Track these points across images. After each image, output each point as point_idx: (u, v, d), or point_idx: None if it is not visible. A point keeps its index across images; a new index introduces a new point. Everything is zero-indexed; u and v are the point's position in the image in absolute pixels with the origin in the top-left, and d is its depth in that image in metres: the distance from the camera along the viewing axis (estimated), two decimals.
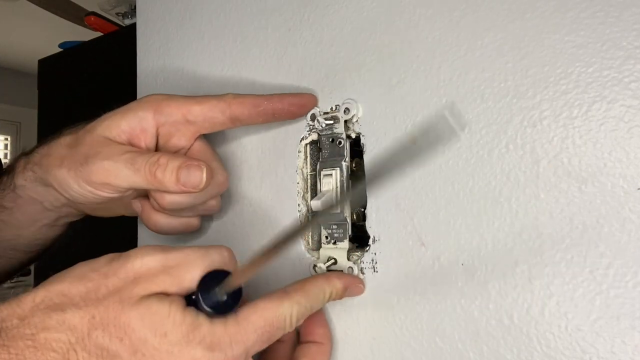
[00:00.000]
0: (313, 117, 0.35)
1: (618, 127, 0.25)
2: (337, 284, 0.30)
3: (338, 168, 0.34)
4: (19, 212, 0.39)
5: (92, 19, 1.24)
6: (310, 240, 0.36)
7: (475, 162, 0.29)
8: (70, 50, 1.24)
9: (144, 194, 0.36)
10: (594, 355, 0.25)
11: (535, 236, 0.27)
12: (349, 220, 0.34)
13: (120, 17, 1.30)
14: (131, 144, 0.34)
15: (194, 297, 0.26)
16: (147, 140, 0.35)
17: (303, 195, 0.36)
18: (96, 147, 0.33)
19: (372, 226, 0.33)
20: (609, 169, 0.26)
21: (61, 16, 1.58)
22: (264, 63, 0.39)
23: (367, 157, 0.34)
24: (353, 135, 0.34)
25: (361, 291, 0.32)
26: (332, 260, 0.34)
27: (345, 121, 0.34)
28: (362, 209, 0.34)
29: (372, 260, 0.33)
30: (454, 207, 0.30)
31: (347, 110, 0.34)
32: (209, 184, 0.32)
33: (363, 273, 0.33)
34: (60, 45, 1.27)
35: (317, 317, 0.33)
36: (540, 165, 0.27)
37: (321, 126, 0.35)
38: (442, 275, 0.30)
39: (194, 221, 0.37)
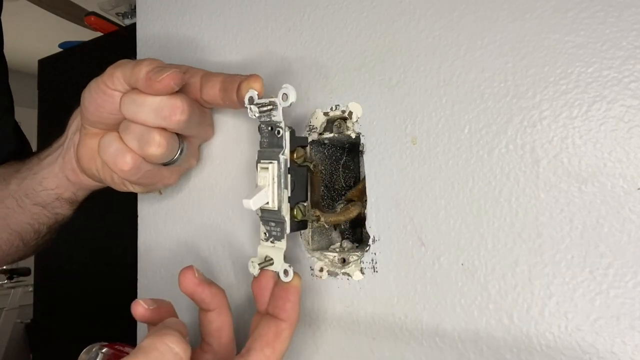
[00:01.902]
0: (251, 100, 0.32)
1: (618, 127, 0.25)
2: None
3: (275, 161, 0.31)
4: (51, 152, 0.43)
5: (92, 19, 1.24)
6: (310, 240, 0.36)
7: (475, 162, 0.29)
8: (70, 50, 1.24)
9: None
10: (594, 355, 0.25)
11: (535, 236, 0.27)
12: (287, 218, 0.32)
13: (120, 17, 1.30)
14: None
15: None
16: None
17: None
18: None
19: (372, 226, 0.33)
20: (609, 169, 0.26)
21: (61, 16, 1.59)
22: (264, 63, 0.39)
23: (367, 157, 0.34)
24: (353, 135, 0.34)
25: None
26: (270, 260, 0.32)
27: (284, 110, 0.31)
28: (304, 204, 0.33)
29: (372, 260, 0.33)
30: (454, 207, 0.30)
31: (285, 96, 0.30)
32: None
33: (363, 273, 0.33)
34: (60, 45, 1.27)
35: (289, 293, 0.32)
36: (540, 165, 0.27)
37: (254, 114, 0.32)
38: (442, 275, 0.30)
39: (128, 157, 0.35)
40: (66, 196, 0.45)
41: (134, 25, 0.50)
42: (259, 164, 0.32)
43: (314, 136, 0.36)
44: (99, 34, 1.25)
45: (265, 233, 0.33)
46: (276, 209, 0.32)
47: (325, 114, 0.35)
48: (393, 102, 0.33)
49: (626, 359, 0.25)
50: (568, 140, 0.27)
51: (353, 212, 0.35)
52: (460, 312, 0.29)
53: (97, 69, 0.36)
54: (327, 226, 0.35)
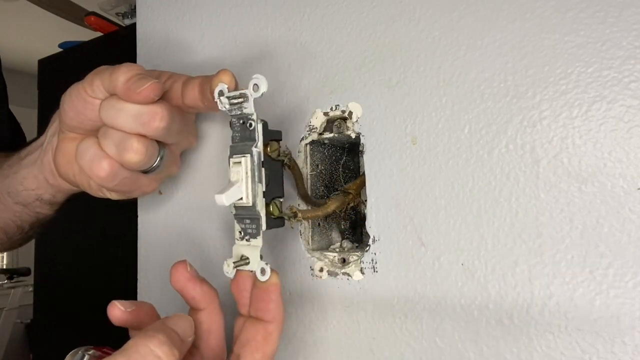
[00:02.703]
0: (221, 94, 0.31)
1: (618, 127, 0.25)
2: None
3: (248, 155, 0.30)
4: (31, 151, 0.44)
5: (92, 19, 1.24)
6: (310, 240, 0.36)
7: (475, 162, 0.29)
8: (70, 50, 1.24)
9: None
10: (594, 355, 0.25)
11: (535, 236, 0.27)
12: (262, 214, 0.30)
13: (120, 17, 1.30)
14: None
15: None
16: None
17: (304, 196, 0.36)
18: None
19: (372, 226, 0.33)
20: (609, 169, 0.26)
21: (61, 16, 1.59)
22: (263, 63, 0.39)
23: (367, 157, 0.34)
24: (353, 135, 0.34)
25: None
26: (245, 260, 0.31)
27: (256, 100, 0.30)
28: (280, 200, 0.32)
29: (372, 260, 0.33)
30: (454, 207, 0.30)
31: (255, 87, 0.30)
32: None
33: (363, 273, 0.33)
34: (60, 45, 1.27)
35: (270, 293, 0.31)
36: (540, 165, 0.27)
37: (224, 106, 0.31)
38: (442, 275, 0.30)
39: (105, 163, 0.34)
40: (46, 198, 0.44)
41: (134, 25, 0.50)
42: (231, 159, 0.31)
43: (314, 136, 0.36)
44: (99, 34, 1.25)
45: (240, 232, 0.31)
46: (251, 204, 0.30)
47: (325, 114, 0.35)
48: (393, 102, 0.33)
49: (626, 359, 0.25)
50: (568, 140, 0.27)
51: (330, 207, 0.34)
52: (460, 312, 0.29)
53: None
54: (304, 222, 0.35)
